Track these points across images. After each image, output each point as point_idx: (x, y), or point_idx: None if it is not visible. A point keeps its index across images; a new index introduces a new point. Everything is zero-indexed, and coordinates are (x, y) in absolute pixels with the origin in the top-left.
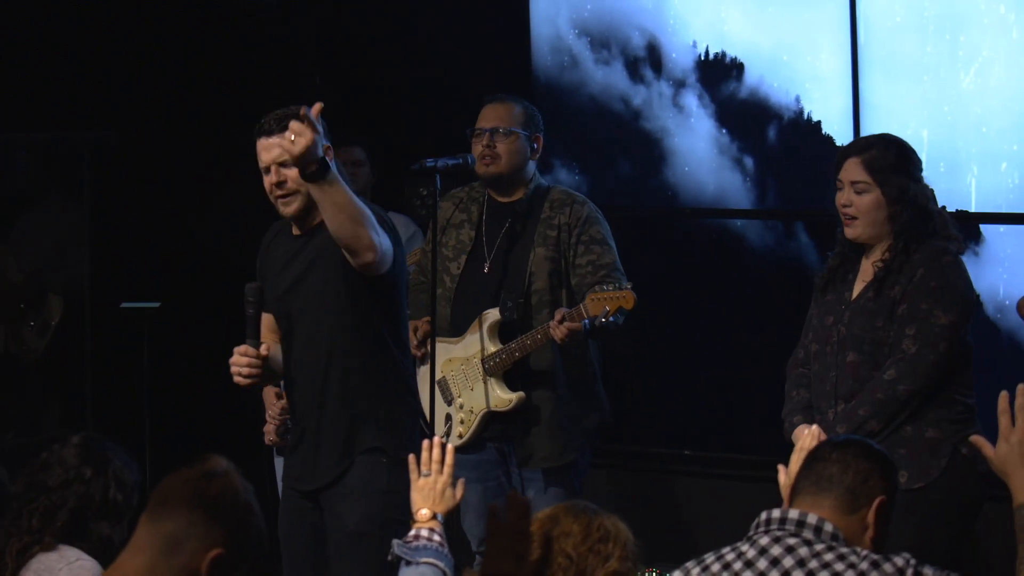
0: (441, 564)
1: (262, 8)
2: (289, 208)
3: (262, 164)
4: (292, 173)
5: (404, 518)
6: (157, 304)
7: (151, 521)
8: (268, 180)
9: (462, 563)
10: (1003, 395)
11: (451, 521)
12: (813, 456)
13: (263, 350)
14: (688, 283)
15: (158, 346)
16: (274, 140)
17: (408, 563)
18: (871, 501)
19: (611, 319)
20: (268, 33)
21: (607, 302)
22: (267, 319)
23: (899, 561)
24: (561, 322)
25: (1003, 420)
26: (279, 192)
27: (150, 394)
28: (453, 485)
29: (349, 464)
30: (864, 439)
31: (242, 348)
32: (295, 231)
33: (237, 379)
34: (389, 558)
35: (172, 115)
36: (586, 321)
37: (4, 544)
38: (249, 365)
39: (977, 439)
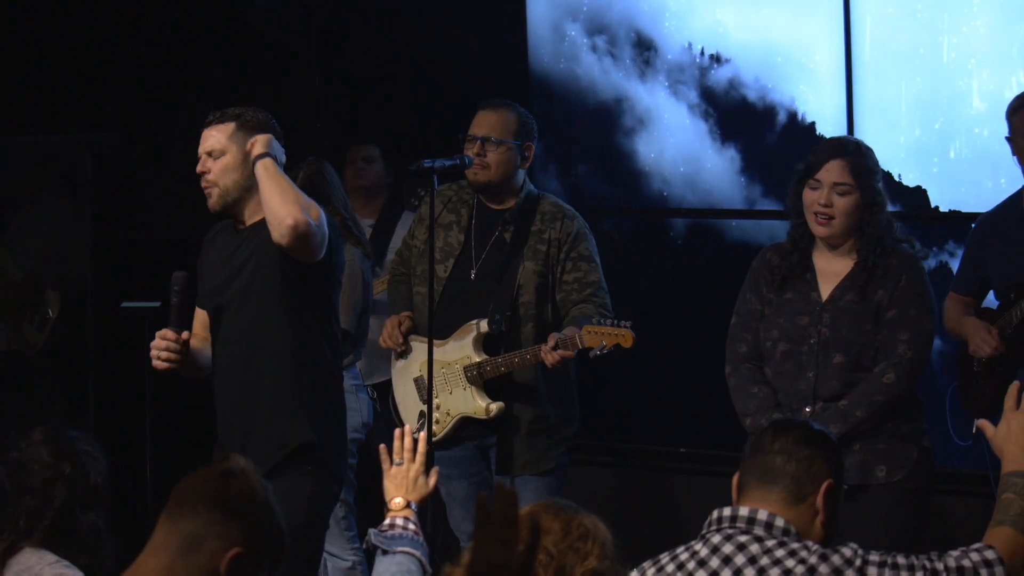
0: (417, 553)
1: (262, 10)
2: (209, 200)
3: (198, 153)
4: (213, 166)
5: (326, 521)
6: (158, 304)
7: (170, 521)
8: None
9: (451, 559)
10: (1015, 384)
11: (438, 517)
12: (755, 448)
13: (183, 335)
14: (681, 282)
15: None
16: (209, 131)
17: (384, 552)
18: (818, 487)
19: (605, 352)
20: (268, 34)
21: (605, 337)
22: (201, 317)
23: (847, 552)
24: (554, 348)
25: (1009, 402)
26: (202, 183)
27: (151, 392)
28: (426, 474)
29: (282, 457)
30: (804, 420)
31: (162, 332)
32: (238, 226)
33: (155, 363)
34: (364, 547)
35: (173, 116)
36: (577, 351)
37: None
38: (167, 349)
39: (982, 422)
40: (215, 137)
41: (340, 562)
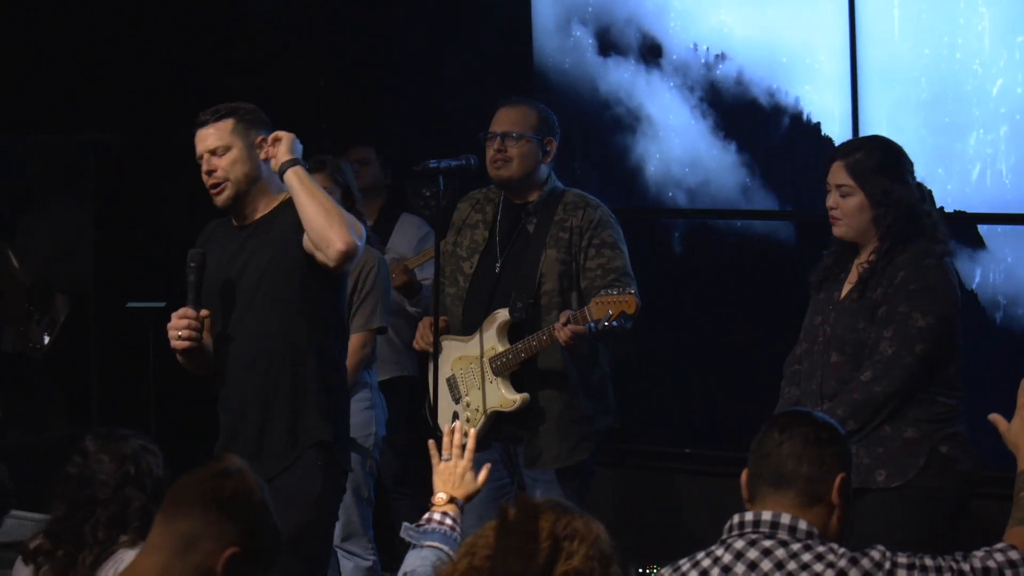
0: (446, 548)
1: (263, 10)
2: (219, 198)
3: (197, 154)
4: (220, 162)
5: (334, 518)
6: (162, 304)
7: (166, 521)
8: (202, 170)
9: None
10: None
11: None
12: (764, 450)
13: (203, 313)
14: (687, 282)
15: (163, 345)
16: (207, 131)
17: (414, 546)
18: (832, 484)
19: (615, 323)
20: (272, 34)
21: (610, 306)
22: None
23: (876, 555)
24: (566, 324)
25: (1022, 398)
26: (210, 181)
27: (155, 393)
28: (475, 470)
29: (297, 457)
30: (807, 414)
31: (181, 311)
32: (235, 223)
33: (174, 342)
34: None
35: (176, 116)
36: (591, 324)
37: (64, 564)
38: (188, 327)
39: (995, 416)
40: (215, 135)
41: (362, 562)
